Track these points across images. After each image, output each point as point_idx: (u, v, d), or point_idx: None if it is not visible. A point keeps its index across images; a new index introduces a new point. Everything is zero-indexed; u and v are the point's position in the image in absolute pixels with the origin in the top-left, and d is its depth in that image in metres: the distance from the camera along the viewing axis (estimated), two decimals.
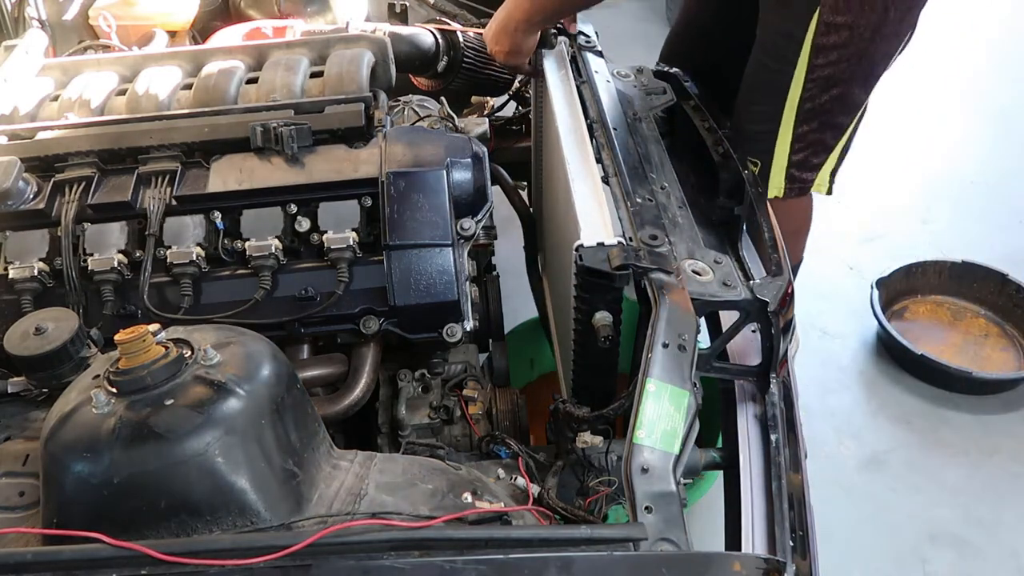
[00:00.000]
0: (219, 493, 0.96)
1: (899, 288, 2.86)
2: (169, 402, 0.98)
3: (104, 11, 2.31)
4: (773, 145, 1.84)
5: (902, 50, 1.80)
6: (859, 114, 1.86)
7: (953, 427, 2.44)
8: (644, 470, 1.00)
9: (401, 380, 1.54)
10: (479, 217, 1.49)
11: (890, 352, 2.66)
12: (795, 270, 2.24)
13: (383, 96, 1.68)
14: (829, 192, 1.96)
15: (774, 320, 1.17)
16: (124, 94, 1.65)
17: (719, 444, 1.33)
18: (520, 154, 2.18)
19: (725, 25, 1.96)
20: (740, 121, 1.87)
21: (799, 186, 1.91)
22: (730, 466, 1.18)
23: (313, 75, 1.69)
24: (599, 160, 1.61)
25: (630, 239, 1.34)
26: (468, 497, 1.07)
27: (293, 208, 1.44)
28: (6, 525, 1.07)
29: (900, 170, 3.57)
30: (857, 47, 1.70)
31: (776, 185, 1.89)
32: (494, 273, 1.85)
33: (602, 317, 1.28)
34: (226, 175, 1.45)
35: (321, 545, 0.86)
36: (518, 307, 2.34)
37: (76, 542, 0.88)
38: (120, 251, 1.40)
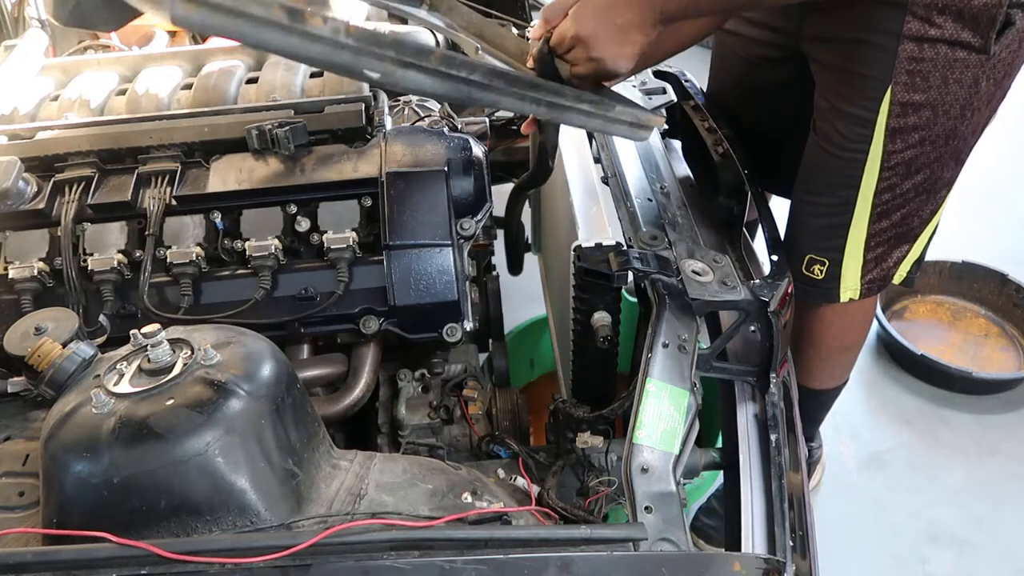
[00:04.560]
0: (219, 493, 0.96)
1: (899, 288, 2.85)
2: (169, 402, 0.98)
3: None
4: (844, 242, 1.52)
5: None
6: (949, 191, 1.53)
7: (953, 427, 2.44)
8: (644, 470, 1.01)
9: (401, 380, 1.54)
10: (479, 217, 1.48)
11: (890, 352, 2.66)
12: (838, 391, 1.98)
13: (383, 96, 1.68)
14: (907, 284, 1.66)
15: (774, 320, 1.17)
16: (124, 94, 1.65)
17: (719, 444, 1.32)
18: (520, 154, 2.18)
19: (770, 95, 1.65)
20: (801, 214, 1.57)
21: (879, 284, 1.60)
22: (730, 466, 1.18)
23: (313, 75, 1.69)
24: (598, 160, 1.61)
25: (629, 239, 1.34)
26: (468, 497, 1.07)
27: (293, 208, 1.44)
28: (6, 525, 1.07)
29: None
30: (944, 126, 1.37)
31: (851, 287, 1.58)
32: (494, 273, 1.85)
33: (601, 317, 1.28)
34: (226, 175, 1.45)
35: (321, 545, 0.86)
36: (518, 307, 2.34)
37: (79, 542, 0.88)
38: (120, 251, 1.41)
